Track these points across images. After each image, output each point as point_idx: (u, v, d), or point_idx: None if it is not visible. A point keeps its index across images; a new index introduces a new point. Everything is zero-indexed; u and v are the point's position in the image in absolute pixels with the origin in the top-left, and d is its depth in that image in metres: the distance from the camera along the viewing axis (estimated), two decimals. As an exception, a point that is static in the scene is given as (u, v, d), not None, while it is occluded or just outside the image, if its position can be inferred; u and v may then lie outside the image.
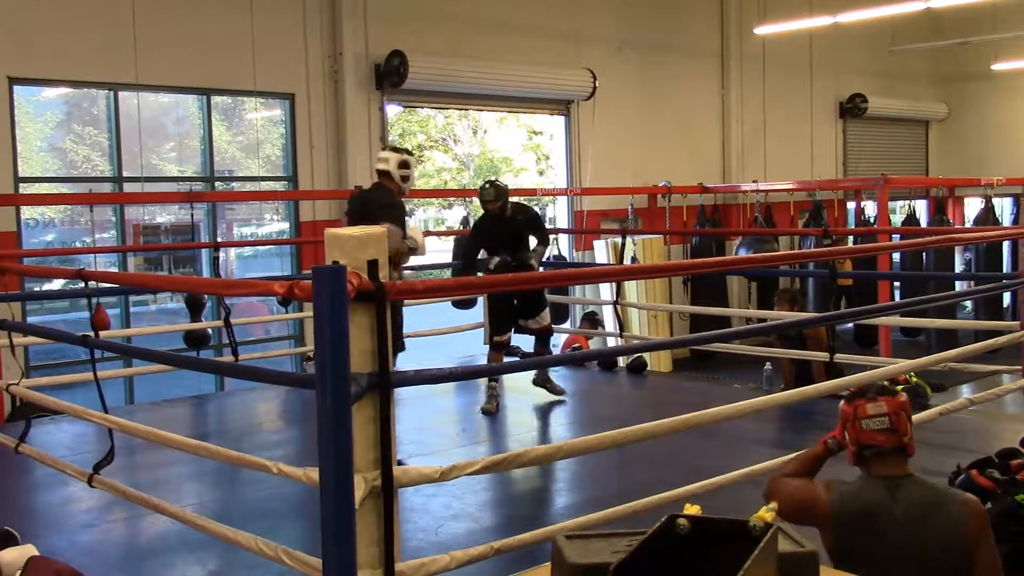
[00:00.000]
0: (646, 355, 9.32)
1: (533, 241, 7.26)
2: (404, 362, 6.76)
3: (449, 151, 24.40)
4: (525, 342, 9.98)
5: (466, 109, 16.17)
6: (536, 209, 7.98)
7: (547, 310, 7.26)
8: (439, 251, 12.90)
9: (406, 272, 7.42)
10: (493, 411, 6.88)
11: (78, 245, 9.64)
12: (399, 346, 5.61)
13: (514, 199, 7.43)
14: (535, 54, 11.35)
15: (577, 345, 9.96)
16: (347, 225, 5.62)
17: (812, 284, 11.36)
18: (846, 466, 2.94)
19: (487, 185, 7.04)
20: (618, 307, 8.51)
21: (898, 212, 14.58)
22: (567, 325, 10.98)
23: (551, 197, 13.06)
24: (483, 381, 7.26)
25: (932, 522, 2.62)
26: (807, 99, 14.72)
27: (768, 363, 8.33)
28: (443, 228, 20.50)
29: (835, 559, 2.64)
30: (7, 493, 5.36)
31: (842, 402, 2.95)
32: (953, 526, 2.63)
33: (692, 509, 2.56)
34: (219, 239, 9.40)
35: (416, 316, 7.71)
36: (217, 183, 9.64)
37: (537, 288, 7.05)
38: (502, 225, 7.03)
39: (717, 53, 13.70)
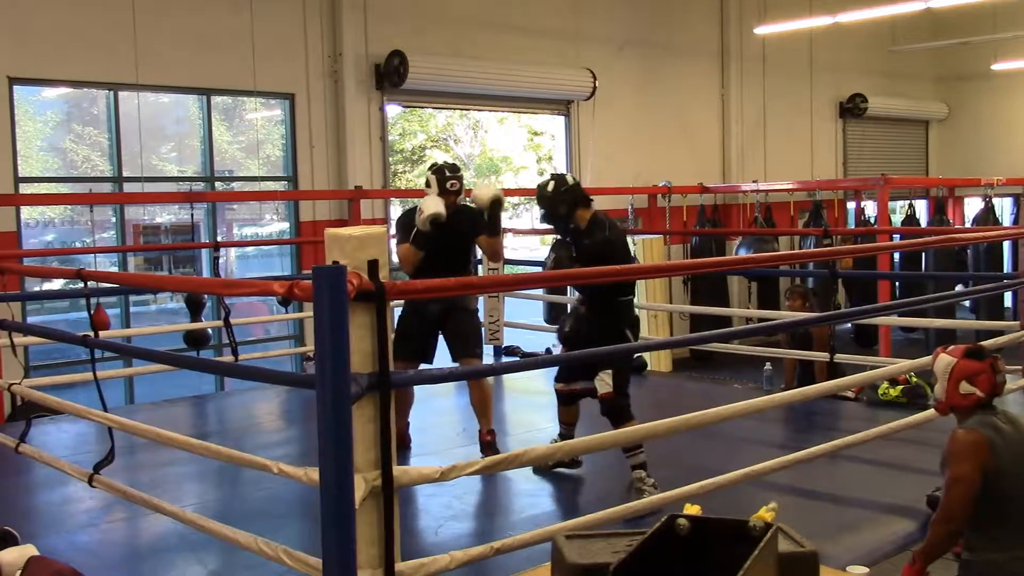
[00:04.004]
0: (646, 355, 9.32)
1: None
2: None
3: (449, 151, 24.40)
4: (522, 342, 10.01)
5: (466, 109, 16.18)
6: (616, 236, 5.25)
7: (610, 373, 4.97)
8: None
9: None
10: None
11: (78, 245, 9.64)
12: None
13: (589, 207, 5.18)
14: (535, 54, 11.35)
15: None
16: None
17: (812, 284, 11.34)
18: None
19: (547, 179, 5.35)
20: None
21: (898, 212, 14.58)
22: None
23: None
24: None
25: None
26: (807, 99, 14.71)
27: (768, 363, 8.34)
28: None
29: (988, 471, 3.20)
30: (7, 493, 5.35)
31: (959, 359, 3.39)
32: None
33: (692, 509, 2.56)
34: (219, 239, 9.40)
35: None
36: (217, 183, 9.64)
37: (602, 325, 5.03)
38: (579, 242, 5.14)
39: (717, 53, 13.70)
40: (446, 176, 5.49)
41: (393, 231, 5.84)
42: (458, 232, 5.50)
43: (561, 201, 5.14)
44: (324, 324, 2.54)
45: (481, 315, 8.34)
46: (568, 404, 5.38)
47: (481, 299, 8.45)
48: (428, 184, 5.53)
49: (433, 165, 5.75)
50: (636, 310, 5.44)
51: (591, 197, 5.25)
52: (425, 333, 5.67)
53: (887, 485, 5.19)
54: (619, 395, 4.98)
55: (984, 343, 6.14)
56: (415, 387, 5.91)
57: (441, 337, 5.77)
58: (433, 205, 5.27)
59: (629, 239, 8.82)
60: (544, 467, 5.25)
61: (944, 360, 3.42)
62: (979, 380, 3.35)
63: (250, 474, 4.93)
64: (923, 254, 11.67)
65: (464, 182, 5.59)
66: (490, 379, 6.04)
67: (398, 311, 5.87)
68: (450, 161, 5.97)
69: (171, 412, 7.46)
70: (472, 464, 3.16)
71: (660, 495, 4.02)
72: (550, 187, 5.18)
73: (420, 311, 5.63)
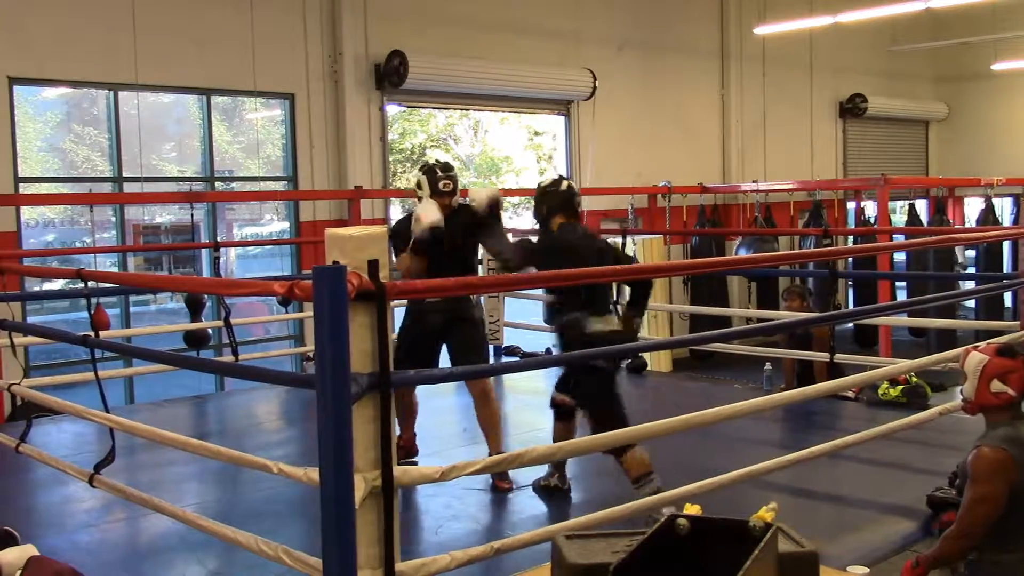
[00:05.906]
0: (646, 355, 9.31)
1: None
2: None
3: (449, 150, 24.39)
4: (522, 342, 10.00)
5: (466, 109, 16.18)
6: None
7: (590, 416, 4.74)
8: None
9: None
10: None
11: (78, 245, 9.65)
12: None
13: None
14: (535, 54, 11.35)
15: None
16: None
17: (812, 284, 11.35)
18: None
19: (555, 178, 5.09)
20: (618, 307, 8.48)
21: (898, 212, 14.59)
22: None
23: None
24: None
25: None
26: (807, 99, 14.72)
27: (768, 363, 8.34)
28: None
29: (1013, 488, 3.17)
30: (7, 493, 5.36)
31: (991, 357, 3.33)
32: None
33: (692, 509, 2.57)
34: (219, 239, 9.40)
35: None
36: (217, 183, 9.64)
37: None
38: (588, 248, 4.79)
39: (717, 53, 13.70)
40: (438, 176, 5.13)
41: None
42: (458, 236, 5.16)
43: (542, 201, 4.99)
44: (324, 324, 2.54)
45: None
46: (563, 420, 4.91)
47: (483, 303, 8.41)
48: (419, 186, 5.18)
49: (423, 165, 5.37)
50: (604, 325, 4.88)
51: (577, 211, 4.97)
52: (428, 345, 5.34)
53: (887, 485, 5.19)
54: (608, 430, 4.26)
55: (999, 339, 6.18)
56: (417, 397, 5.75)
57: (445, 349, 5.47)
58: (431, 213, 4.96)
59: (629, 239, 8.77)
60: (537, 486, 5.08)
61: (975, 358, 3.35)
62: (1011, 379, 3.29)
63: (250, 474, 4.93)
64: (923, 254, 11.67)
65: (458, 181, 5.26)
66: (496, 397, 5.70)
67: (398, 323, 5.57)
68: (443, 160, 5.56)
69: (171, 412, 7.46)
70: (472, 464, 3.15)
71: (660, 495, 4.02)
72: (544, 183, 5.02)
73: (421, 322, 5.34)
